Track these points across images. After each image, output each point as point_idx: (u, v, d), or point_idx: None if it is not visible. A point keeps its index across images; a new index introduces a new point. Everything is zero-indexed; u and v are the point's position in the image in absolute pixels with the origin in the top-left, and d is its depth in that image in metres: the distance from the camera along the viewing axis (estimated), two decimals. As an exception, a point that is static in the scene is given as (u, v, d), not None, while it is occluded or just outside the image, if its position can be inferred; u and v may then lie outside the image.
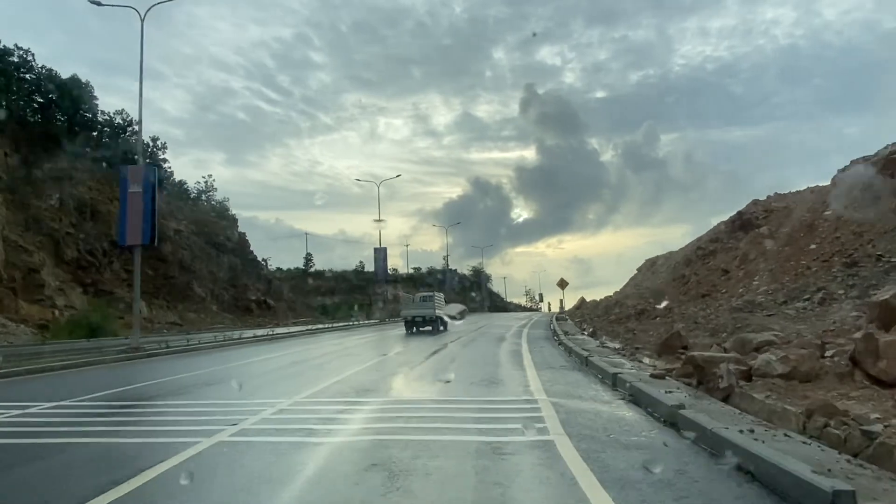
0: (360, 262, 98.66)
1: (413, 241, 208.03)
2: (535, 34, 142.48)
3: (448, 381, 11.34)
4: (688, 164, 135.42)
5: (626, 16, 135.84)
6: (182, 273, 47.39)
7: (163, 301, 42.86)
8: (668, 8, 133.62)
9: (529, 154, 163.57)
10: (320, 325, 36.82)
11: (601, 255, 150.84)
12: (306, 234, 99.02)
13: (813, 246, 18.70)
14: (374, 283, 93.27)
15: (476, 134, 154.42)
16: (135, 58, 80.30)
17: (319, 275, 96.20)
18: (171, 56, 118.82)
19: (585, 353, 13.74)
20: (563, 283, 27.20)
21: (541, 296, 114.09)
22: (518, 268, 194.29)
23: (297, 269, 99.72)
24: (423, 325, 30.35)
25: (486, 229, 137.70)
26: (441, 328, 29.76)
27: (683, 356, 10.03)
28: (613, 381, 9.40)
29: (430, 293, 33.54)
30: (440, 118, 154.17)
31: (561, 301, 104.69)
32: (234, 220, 59.38)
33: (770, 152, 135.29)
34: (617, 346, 16.23)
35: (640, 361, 12.33)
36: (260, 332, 32.93)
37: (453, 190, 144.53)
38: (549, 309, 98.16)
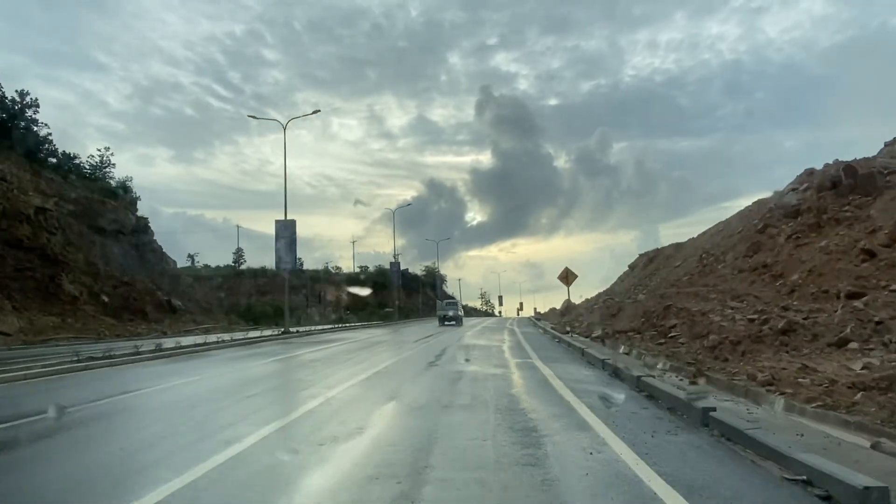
0: (300, 259, 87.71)
1: (366, 243, 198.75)
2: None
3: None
4: (638, 172, 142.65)
5: (579, 26, 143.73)
6: (45, 265, 36.01)
7: (4, 300, 31.50)
8: (619, 20, 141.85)
9: (484, 158, 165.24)
10: (217, 338, 26.68)
11: (553, 259, 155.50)
12: (237, 227, 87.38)
13: None
14: (317, 285, 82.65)
15: (431, 137, 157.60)
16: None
17: (255, 273, 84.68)
18: (115, 47, 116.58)
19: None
20: (569, 278, 17.89)
21: (500, 299, 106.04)
22: (471, 271, 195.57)
23: (227, 266, 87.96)
24: (450, 321, 41.21)
25: (441, 232, 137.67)
26: (461, 323, 40.08)
27: None
28: None
29: (454, 301, 52.50)
30: (395, 120, 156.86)
31: (521, 305, 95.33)
32: (132, 203, 47.87)
33: (717, 162, 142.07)
34: None
35: None
36: (145, 345, 22.04)
37: (407, 192, 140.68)
38: (518, 313, 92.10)
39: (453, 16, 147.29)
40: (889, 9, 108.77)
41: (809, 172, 24.60)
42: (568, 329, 22.80)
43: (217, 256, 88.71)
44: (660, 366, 10.44)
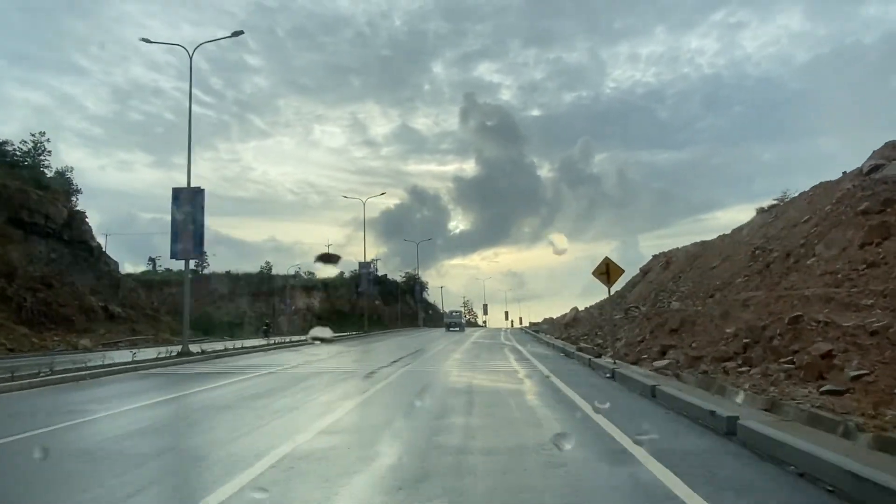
0: (266, 262, 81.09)
1: (348, 251, 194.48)
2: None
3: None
4: (618, 183, 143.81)
5: (562, 38, 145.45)
6: (-62, 262, 29.47)
7: None
8: (600, 33, 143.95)
9: (468, 167, 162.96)
10: (103, 358, 20.48)
11: (534, 268, 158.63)
12: (205, 229, 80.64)
13: None
14: (283, 293, 76.13)
15: (414, 146, 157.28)
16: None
17: (220, 279, 77.93)
18: (96, 51, 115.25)
19: None
20: (611, 273, 12.23)
21: (485, 307, 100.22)
22: (453, 280, 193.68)
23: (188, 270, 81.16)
24: (454, 328, 53.10)
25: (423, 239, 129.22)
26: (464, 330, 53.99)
27: None
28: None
29: (459, 312, 67.76)
30: (378, 128, 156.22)
31: (506, 313, 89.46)
32: (64, 194, 41.29)
33: (696, 174, 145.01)
34: None
35: None
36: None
37: (391, 200, 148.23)
38: (512, 324, 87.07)
39: (437, 26, 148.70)
40: (863, 26, 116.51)
41: (893, 145, 19.49)
42: (598, 350, 17.13)
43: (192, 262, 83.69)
44: None
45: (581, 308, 48.39)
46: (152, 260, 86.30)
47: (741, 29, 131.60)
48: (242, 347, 26.44)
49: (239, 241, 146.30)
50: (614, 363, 13.15)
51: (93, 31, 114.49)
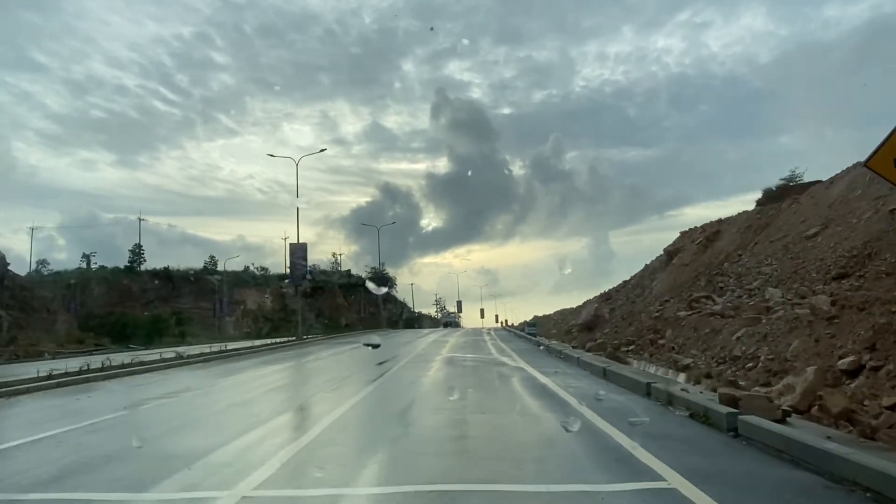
0: (211, 256, 71.23)
1: (319, 250, 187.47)
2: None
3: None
4: (590, 181, 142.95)
5: (531, 37, 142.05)
6: None
7: None
8: (569, 32, 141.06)
9: (440, 164, 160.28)
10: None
11: (507, 266, 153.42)
12: (139, 218, 70.06)
13: None
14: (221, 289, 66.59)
15: (385, 144, 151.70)
16: None
17: (156, 275, 68.13)
18: (55, 47, 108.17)
19: None
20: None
21: (459, 304, 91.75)
22: (426, 278, 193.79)
23: (123, 267, 70.96)
24: (450, 326, 60.85)
25: (396, 239, 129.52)
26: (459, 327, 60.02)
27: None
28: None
29: (454, 312, 79.96)
30: (349, 127, 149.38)
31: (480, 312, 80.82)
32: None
33: (665, 171, 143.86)
34: None
35: None
36: None
37: (362, 199, 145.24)
38: (499, 322, 78.68)
39: (407, 24, 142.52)
40: (822, 27, 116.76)
41: None
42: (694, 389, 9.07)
43: (157, 261, 76.35)
44: None
45: (578, 303, 40.55)
46: (86, 256, 76.10)
47: (706, 29, 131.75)
48: (122, 365, 17.67)
49: (206, 240, 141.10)
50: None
51: (51, 27, 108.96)
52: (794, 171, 29.17)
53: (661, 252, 29.22)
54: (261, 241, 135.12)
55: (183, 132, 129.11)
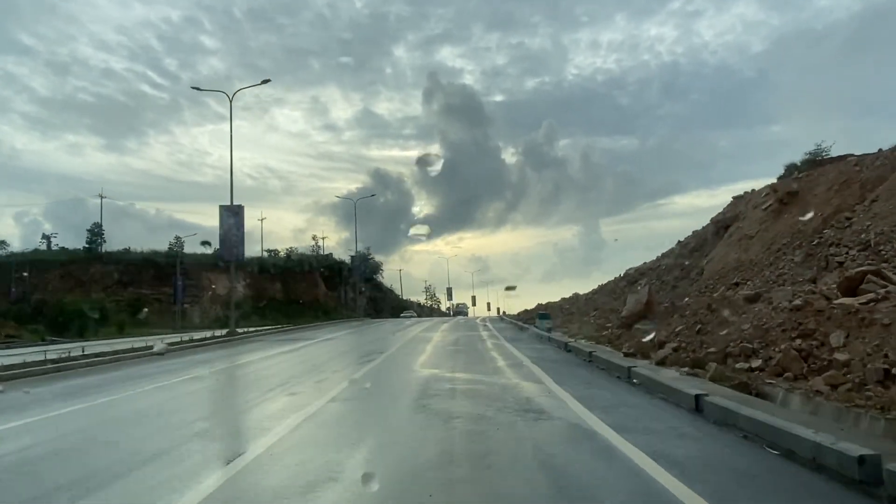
0: (177, 237, 65.11)
1: (306, 235, 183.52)
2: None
3: None
4: (581, 168, 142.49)
5: (524, 24, 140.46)
6: None
7: None
8: (562, 19, 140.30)
9: (432, 151, 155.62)
10: None
11: (498, 254, 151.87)
12: (101, 197, 63.72)
13: None
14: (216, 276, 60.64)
15: (377, 131, 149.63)
16: None
17: (116, 260, 62.07)
18: (42, 30, 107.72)
19: None
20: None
21: (449, 291, 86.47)
22: (417, 265, 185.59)
23: (82, 249, 64.63)
24: (459, 314, 72.71)
25: (387, 226, 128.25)
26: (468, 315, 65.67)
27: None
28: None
29: (464, 304, 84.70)
30: (340, 112, 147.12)
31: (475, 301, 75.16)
32: None
33: (657, 160, 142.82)
34: None
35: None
36: None
37: (352, 185, 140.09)
38: (499, 312, 72.20)
39: (399, 9, 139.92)
40: (814, 16, 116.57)
41: None
42: None
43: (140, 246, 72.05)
44: None
45: (580, 292, 35.30)
46: (46, 238, 69.69)
47: (698, 17, 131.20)
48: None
49: (195, 225, 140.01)
50: None
51: (38, 9, 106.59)
52: (819, 146, 27.63)
53: (704, 225, 24.24)
54: (249, 228, 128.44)
55: (171, 117, 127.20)
